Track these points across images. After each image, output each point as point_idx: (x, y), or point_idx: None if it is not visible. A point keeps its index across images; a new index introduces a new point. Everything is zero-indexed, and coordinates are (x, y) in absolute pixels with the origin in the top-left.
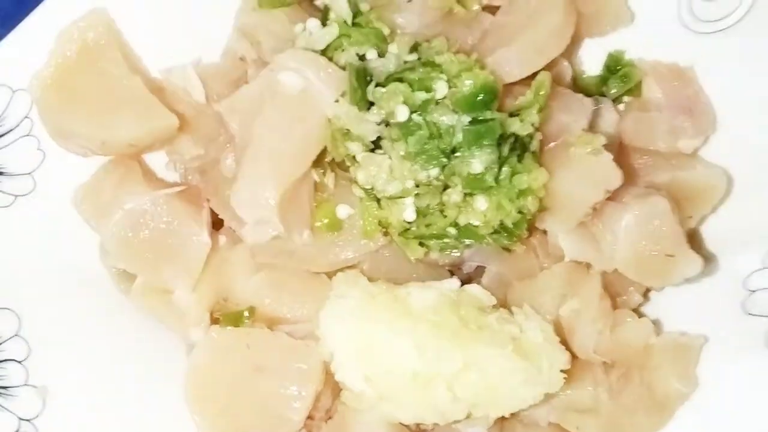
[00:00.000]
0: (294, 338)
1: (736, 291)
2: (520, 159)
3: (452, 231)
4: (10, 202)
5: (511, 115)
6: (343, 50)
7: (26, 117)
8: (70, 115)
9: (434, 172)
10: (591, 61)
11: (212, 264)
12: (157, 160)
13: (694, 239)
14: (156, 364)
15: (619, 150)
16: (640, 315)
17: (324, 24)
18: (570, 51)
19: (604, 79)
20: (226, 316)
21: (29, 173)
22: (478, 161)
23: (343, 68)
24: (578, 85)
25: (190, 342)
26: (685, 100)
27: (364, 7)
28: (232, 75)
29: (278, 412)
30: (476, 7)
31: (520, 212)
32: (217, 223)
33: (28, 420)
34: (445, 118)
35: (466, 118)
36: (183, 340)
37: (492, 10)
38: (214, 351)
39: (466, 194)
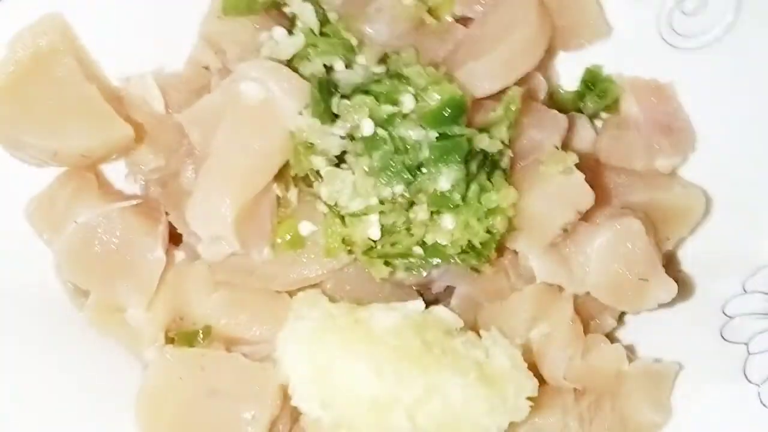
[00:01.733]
0: (251, 360)
1: (714, 317)
2: (489, 177)
3: (418, 250)
4: None
5: (481, 131)
6: (309, 60)
7: None
8: (22, 124)
9: (399, 188)
10: (568, 76)
11: (168, 281)
12: (118, 172)
13: (671, 262)
14: (110, 383)
15: (594, 168)
16: (613, 340)
17: (291, 33)
18: (545, 65)
19: (580, 95)
20: (181, 336)
21: None
22: (444, 178)
23: (309, 79)
24: (554, 101)
25: (144, 361)
26: (663, 117)
27: (332, 16)
28: (196, 84)
29: None
30: (449, 18)
31: (488, 232)
32: (177, 238)
33: None
34: (411, 133)
35: (433, 134)
36: (138, 360)
37: (465, 22)
38: (167, 372)
39: (432, 212)
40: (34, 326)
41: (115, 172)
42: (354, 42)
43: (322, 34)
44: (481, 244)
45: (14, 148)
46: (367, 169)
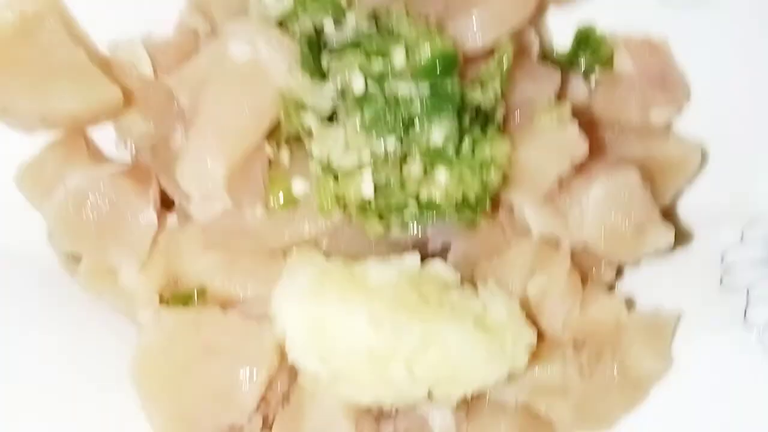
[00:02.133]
0: (247, 319)
1: (713, 265)
2: (482, 130)
3: (413, 205)
4: None
5: (473, 83)
6: (297, 20)
7: None
8: (7, 89)
9: (391, 143)
10: (560, 35)
11: (161, 244)
12: (108, 139)
13: (668, 215)
14: (106, 347)
15: (589, 124)
16: (612, 290)
17: None
18: (537, 22)
19: (573, 54)
20: (175, 297)
21: None
22: (437, 132)
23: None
24: (547, 60)
25: (139, 324)
26: (657, 72)
27: None
28: (185, 49)
29: (229, 395)
30: None
31: (483, 185)
32: (168, 203)
33: None
34: (402, 87)
35: (425, 88)
36: (132, 322)
37: None
38: (162, 333)
39: (426, 167)
40: (30, 292)
41: (105, 139)
42: (343, 1)
43: None
44: (475, 197)
45: (1, 112)
46: (358, 125)
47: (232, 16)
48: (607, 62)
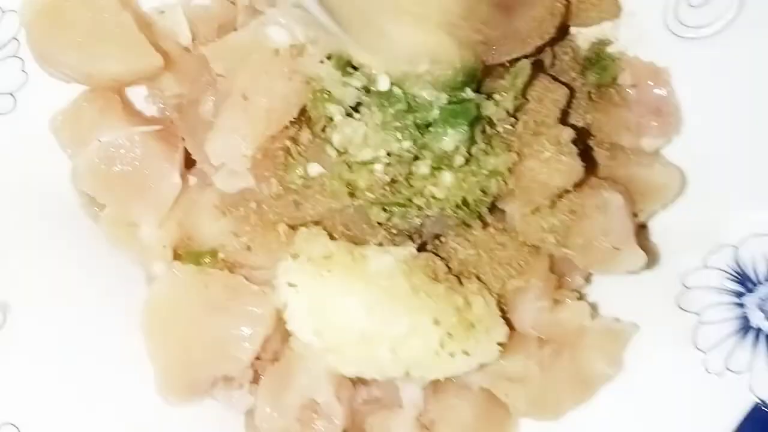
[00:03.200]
0: (251, 283)
1: (674, 286)
2: (489, 141)
3: (417, 201)
4: None
5: (488, 97)
6: None
7: (13, 38)
8: (58, 43)
9: (406, 144)
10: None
11: (180, 203)
12: (137, 92)
13: (641, 232)
14: (118, 293)
15: (582, 135)
16: (581, 297)
17: None
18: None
19: (583, 66)
20: (188, 254)
21: (10, 93)
22: (449, 139)
23: None
24: (556, 68)
25: (152, 275)
26: (655, 99)
27: None
28: (222, 18)
29: (228, 351)
30: None
31: (483, 191)
32: (189, 162)
33: None
34: (424, 93)
35: (444, 96)
36: (145, 272)
37: None
38: (174, 286)
39: (433, 168)
40: (54, 230)
41: (135, 92)
42: None
43: None
44: (474, 201)
45: (47, 63)
46: (379, 123)
47: None
48: (612, 82)
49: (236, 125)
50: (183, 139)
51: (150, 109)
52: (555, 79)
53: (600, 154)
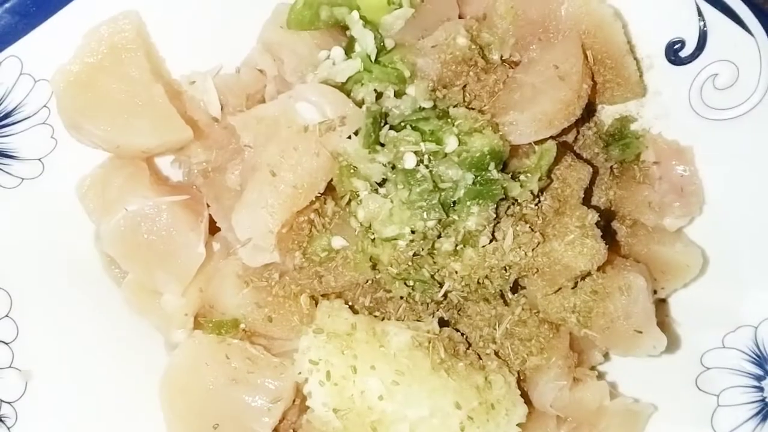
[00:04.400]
0: (270, 353)
1: (692, 365)
2: (515, 222)
3: (438, 276)
4: (16, 184)
5: (513, 177)
6: (362, 85)
7: (44, 106)
8: (89, 114)
9: (431, 223)
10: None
11: (203, 270)
12: (164, 158)
13: (660, 309)
14: (137, 359)
15: (605, 213)
16: (600, 376)
17: (348, 55)
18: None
19: (606, 143)
20: (210, 324)
21: (39, 159)
22: (474, 218)
23: (360, 104)
24: (578, 143)
25: (172, 342)
26: (678, 179)
27: (389, 43)
28: (250, 88)
29: (246, 424)
30: (496, 57)
31: (505, 270)
32: (212, 228)
33: (9, 402)
34: (451, 173)
35: (470, 176)
36: (165, 339)
37: (512, 64)
38: (194, 356)
39: (457, 245)
40: (77, 295)
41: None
42: (407, 73)
43: (377, 61)
44: (496, 279)
45: (78, 133)
46: (404, 201)
47: (300, 65)
48: (635, 159)
49: (264, 200)
50: (208, 205)
51: (175, 173)
52: (578, 156)
53: (621, 231)
